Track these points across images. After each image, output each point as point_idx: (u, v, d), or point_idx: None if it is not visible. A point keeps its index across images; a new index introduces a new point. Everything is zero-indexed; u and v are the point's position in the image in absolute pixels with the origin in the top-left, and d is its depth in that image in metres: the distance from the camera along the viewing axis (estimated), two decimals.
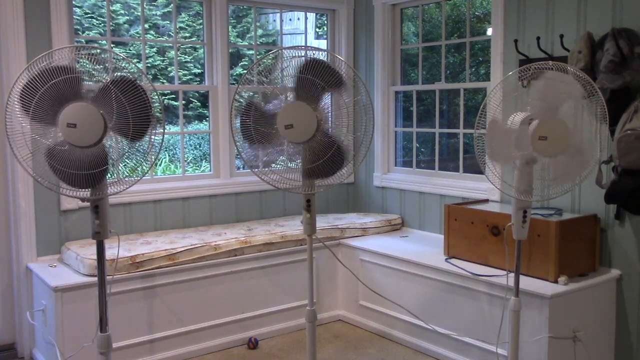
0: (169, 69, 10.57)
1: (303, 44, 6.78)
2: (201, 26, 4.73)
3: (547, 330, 3.15)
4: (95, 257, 2.75)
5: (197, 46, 10.41)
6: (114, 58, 2.53)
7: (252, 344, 3.98)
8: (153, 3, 10.27)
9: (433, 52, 4.94)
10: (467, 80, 4.53)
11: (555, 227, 3.31)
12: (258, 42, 5.43)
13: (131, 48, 9.52)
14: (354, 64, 5.19)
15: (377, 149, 5.02)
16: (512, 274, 3.00)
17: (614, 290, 3.51)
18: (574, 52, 3.43)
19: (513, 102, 2.95)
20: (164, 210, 4.36)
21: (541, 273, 3.37)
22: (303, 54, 2.85)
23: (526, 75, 2.80)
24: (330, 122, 2.90)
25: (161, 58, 10.68)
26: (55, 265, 3.75)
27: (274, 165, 2.95)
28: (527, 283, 3.27)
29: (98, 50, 2.55)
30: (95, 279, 2.87)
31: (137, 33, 9.96)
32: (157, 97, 2.53)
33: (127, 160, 2.54)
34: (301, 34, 10.85)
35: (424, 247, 4.22)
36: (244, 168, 4.76)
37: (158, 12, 10.45)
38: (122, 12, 10.45)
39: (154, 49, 10.45)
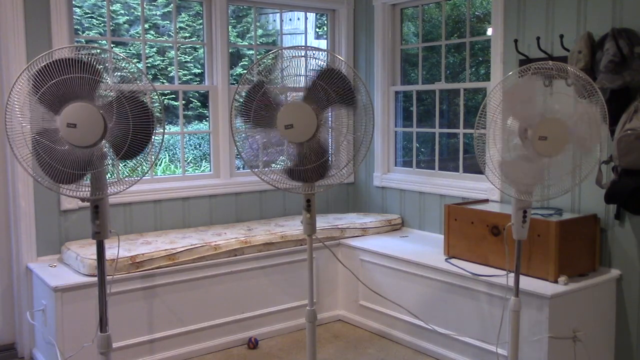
0: (169, 69, 10.57)
1: (303, 44, 6.78)
2: (201, 26, 4.73)
3: (547, 330, 3.15)
4: (95, 257, 2.75)
5: (197, 46, 10.41)
6: (114, 58, 2.53)
7: (252, 344, 3.98)
8: (153, 3, 10.27)
9: (433, 52, 4.94)
10: (467, 80, 4.53)
11: (555, 227, 3.31)
12: (258, 42, 5.43)
13: (131, 48, 9.52)
14: (354, 64, 5.19)
15: (377, 149, 5.02)
16: (512, 274, 3.00)
17: (614, 290, 3.51)
18: (574, 52, 3.43)
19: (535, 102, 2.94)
20: (164, 210, 4.36)
21: (541, 273, 3.37)
22: (323, 59, 2.86)
23: (549, 75, 2.78)
24: (329, 132, 2.92)
25: (161, 58, 10.69)
26: (55, 265, 3.75)
27: (274, 165, 2.95)
28: (527, 283, 3.27)
29: (98, 50, 2.55)
30: (95, 279, 2.87)
31: (137, 33, 9.96)
32: (157, 97, 2.53)
33: (126, 160, 2.54)
34: (301, 34, 10.85)
35: (424, 247, 4.22)
36: (244, 168, 4.76)
37: (158, 12, 10.45)
38: (122, 12, 10.45)
39: (154, 49, 10.45)
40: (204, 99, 9.88)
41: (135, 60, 8.27)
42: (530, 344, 3.20)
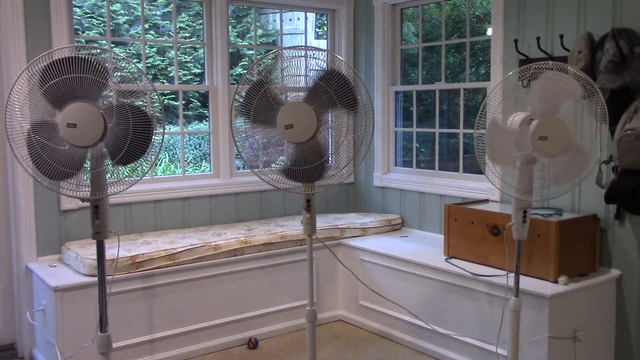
0: (169, 69, 10.57)
1: (303, 44, 6.78)
2: (201, 26, 4.73)
3: (547, 330, 3.15)
4: (95, 257, 2.75)
5: (197, 46, 10.41)
6: (114, 58, 2.53)
7: (252, 344, 3.98)
8: (153, 3, 10.27)
9: (433, 52, 4.94)
10: (467, 80, 4.53)
11: (555, 227, 3.31)
12: (258, 42, 5.43)
13: (131, 48, 9.52)
14: (354, 64, 5.19)
15: (377, 149, 5.02)
16: (512, 274, 3.00)
17: (614, 290, 3.51)
18: (574, 52, 3.43)
19: (513, 102, 2.95)
20: (164, 210, 4.36)
21: (541, 273, 3.37)
22: (324, 59, 2.86)
23: (526, 75, 2.80)
24: (329, 132, 2.92)
25: (161, 58, 10.68)
26: (55, 265, 3.75)
27: (274, 165, 2.95)
28: (527, 283, 3.27)
29: (98, 50, 2.55)
30: (95, 279, 2.87)
31: (137, 33, 9.96)
32: (157, 97, 2.53)
33: (123, 165, 2.54)
34: (301, 34, 10.85)
35: (424, 247, 4.22)
36: (244, 168, 4.76)
37: (158, 12, 10.45)
38: (122, 12, 10.45)
39: (154, 49, 10.45)
40: (204, 99, 9.88)
41: (135, 60, 8.27)
42: (530, 344, 3.20)
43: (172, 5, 4.59)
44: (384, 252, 4.14)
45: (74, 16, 4.08)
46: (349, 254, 4.40)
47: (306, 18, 6.30)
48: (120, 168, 2.55)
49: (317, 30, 10.32)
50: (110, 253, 3.33)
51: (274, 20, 11.30)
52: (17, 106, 2.42)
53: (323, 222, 4.58)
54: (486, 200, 4.12)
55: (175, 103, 9.65)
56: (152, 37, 10.25)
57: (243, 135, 2.91)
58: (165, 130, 2.64)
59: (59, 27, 3.85)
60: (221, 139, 4.61)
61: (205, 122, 9.77)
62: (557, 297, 3.17)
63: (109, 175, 2.54)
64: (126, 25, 10.63)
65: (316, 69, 2.86)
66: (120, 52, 2.62)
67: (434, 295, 3.80)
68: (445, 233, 3.95)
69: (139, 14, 9.14)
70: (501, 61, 4.01)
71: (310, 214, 2.97)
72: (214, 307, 3.93)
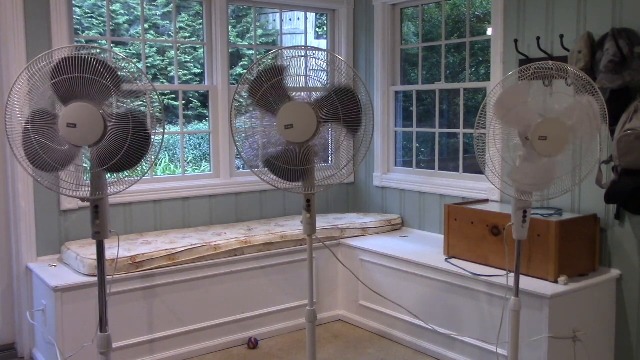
0: (169, 69, 10.57)
1: (303, 44, 6.78)
2: (201, 26, 4.73)
3: (547, 330, 3.15)
4: (95, 257, 2.75)
5: (197, 46, 10.41)
6: (114, 58, 2.53)
7: (252, 344, 3.98)
8: (153, 3, 10.27)
9: (433, 52, 4.94)
10: (467, 80, 4.53)
11: (555, 227, 3.31)
12: (258, 42, 5.42)
13: (131, 48, 9.51)
14: (354, 64, 5.19)
15: (377, 149, 5.02)
16: (512, 274, 3.00)
17: (614, 290, 3.51)
18: (574, 52, 3.43)
19: None
20: (164, 210, 4.36)
21: (541, 273, 3.37)
22: (324, 59, 2.87)
23: (526, 75, 2.79)
24: (329, 134, 2.93)
25: (161, 58, 10.68)
26: (55, 265, 3.75)
27: (264, 159, 2.94)
28: (527, 283, 3.27)
29: (98, 50, 2.55)
30: (95, 279, 2.87)
31: (137, 33, 9.96)
32: (157, 97, 2.53)
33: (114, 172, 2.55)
34: (301, 34, 10.85)
35: (424, 247, 4.22)
36: (244, 168, 4.76)
37: (158, 12, 10.45)
38: (122, 12, 10.45)
39: (154, 49, 10.45)
40: (204, 99, 9.88)
41: (135, 60, 8.27)
42: (530, 344, 3.20)
43: (172, 5, 4.59)
44: (384, 252, 4.14)
45: (74, 16, 4.08)
46: (349, 254, 4.40)
47: (306, 18, 6.30)
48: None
49: (317, 30, 10.31)
50: (110, 253, 3.33)
51: (274, 20, 11.30)
52: (17, 106, 2.42)
53: (323, 222, 4.58)
54: (486, 200, 4.12)
55: (175, 103, 9.65)
56: (152, 37, 10.25)
57: (243, 135, 2.91)
58: (165, 130, 2.64)
59: (59, 27, 3.85)
60: (221, 139, 4.61)
61: (205, 122, 9.77)
62: (557, 297, 3.17)
63: (108, 175, 2.53)
64: (126, 25, 10.63)
65: (324, 74, 2.87)
66: (120, 52, 2.62)
67: (434, 295, 3.80)
68: (445, 233, 3.95)
69: (139, 14, 9.14)
70: (501, 61, 4.01)
71: (310, 214, 2.97)
72: (214, 307, 3.93)
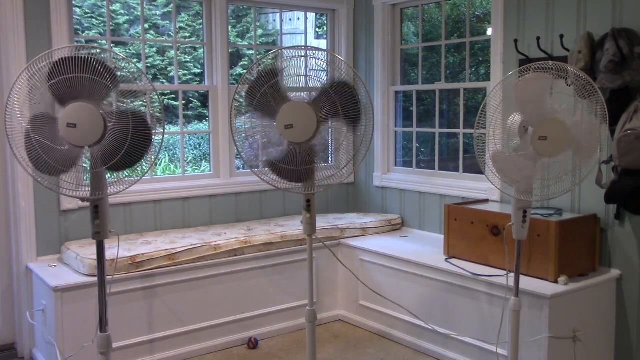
0: (169, 69, 10.57)
1: (303, 44, 6.78)
2: (201, 26, 4.73)
3: (547, 330, 3.15)
4: (95, 257, 2.75)
5: (197, 46, 10.41)
6: (114, 58, 2.53)
7: (252, 344, 3.98)
8: (153, 3, 10.26)
9: (433, 52, 4.94)
10: (467, 80, 4.53)
11: (555, 227, 3.31)
12: (258, 42, 5.42)
13: (131, 48, 9.51)
14: (354, 64, 5.19)
15: (377, 149, 5.02)
16: (512, 274, 3.00)
17: (614, 290, 3.51)
18: (574, 52, 3.43)
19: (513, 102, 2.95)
20: (164, 210, 4.36)
21: (541, 273, 3.37)
22: (324, 59, 2.87)
23: (569, 75, 2.78)
24: (329, 135, 2.93)
25: (161, 58, 10.68)
26: (55, 265, 3.75)
27: (269, 162, 2.94)
28: (527, 283, 3.27)
29: (98, 50, 2.55)
30: (95, 279, 2.87)
31: (137, 33, 9.96)
32: (157, 97, 2.53)
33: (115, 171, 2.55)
34: (301, 34, 10.85)
35: (424, 247, 4.22)
36: (244, 168, 4.76)
37: (158, 12, 10.45)
38: (122, 12, 10.44)
39: (154, 49, 10.45)
40: (204, 99, 9.88)
41: (135, 60, 8.27)
42: (530, 344, 3.20)
43: (172, 5, 4.59)
44: (384, 252, 4.14)
45: (74, 16, 4.08)
46: (349, 254, 4.40)
47: (306, 18, 6.30)
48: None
49: (317, 30, 10.31)
50: (110, 253, 3.33)
51: (274, 20, 11.30)
52: (17, 106, 2.42)
53: (323, 222, 4.58)
54: (486, 200, 4.12)
55: (175, 103, 9.65)
56: (152, 37, 10.25)
57: (243, 135, 2.91)
58: (165, 130, 2.64)
59: (59, 27, 3.85)
60: (221, 139, 4.61)
61: (205, 122, 9.77)
62: (557, 297, 3.17)
63: (109, 175, 2.53)
64: (126, 25, 10.63)
65: (323, 74, 2.87)
66: (120, 52, 2.62)
67: (434, 295, 3.80)
68: (445, 233, 3.95)
69: (139, 14, 9.14)
70: (501, 61, 4.01)
71: (310, 214, 2.97)
72: (214, 307, 3.93)
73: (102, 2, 9.33)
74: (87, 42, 6.23)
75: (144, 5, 5.77)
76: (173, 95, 9.82)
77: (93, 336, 3.03)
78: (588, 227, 3.49)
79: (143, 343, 3.68)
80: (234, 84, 4.64)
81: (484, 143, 2.88)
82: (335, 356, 3.88)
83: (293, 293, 4.24)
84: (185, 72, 10.44)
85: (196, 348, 3.87)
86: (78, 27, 9.11)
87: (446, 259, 3.85)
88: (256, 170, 2.93)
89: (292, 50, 2.86)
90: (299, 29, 11.24)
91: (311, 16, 9.06)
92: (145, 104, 2.52)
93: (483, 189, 4.19)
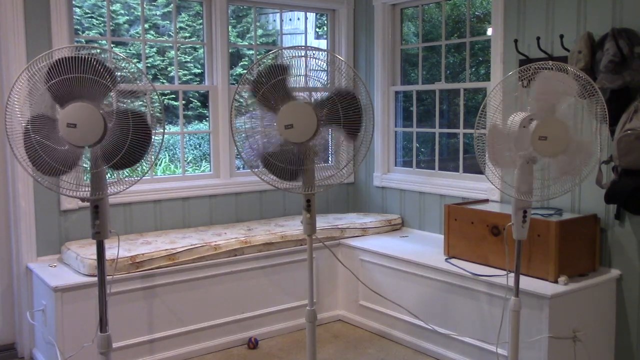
0: (169, 69, 10.57)
1: (303, 44, 6.78)
2: (201, 26, 4.73)
3: (547, 330, 3.15)
4: (95, 257, 2.75)
5: (197, 46, 10.41)
6: (114, 58, 2.53)
7: (252, 344, 3.98)
8: (153, 3, 10.26)
9: (433, 52, 4.94)
10: (467, 80, 4.53)
11: (555, 227, 3.31)
12: (258, 42, 5.42)
13: (131, 48, 9.51)
14: (354, 64, 5.19)
15: (377, 149, 5.02)
16: (512, 274, 3.00)
17: (614, 290, 3.51)
18: (574, 52, 3.43)
19: (513, 102, 2.95)
20: (164, 210, 4.36)
21: (541, 273, 3.37)
22: (324, 59, 2.87)
23: (526, 75, 2.80)
24: (329, 135, 2.93)
25: (161, 58, 10.68)
26: (55, 265, 3.75)
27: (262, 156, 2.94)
28: (527, 283, 3.27)
29: (98, 50, 2.55)
30: (95, 279, 2.87)
31: (137, 33, 9.96)
32: (157, 97, 2.53)
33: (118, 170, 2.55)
34: (301, 34, 10.85)
35: (424, 247, 4.22)
36: (244, 168, 4.76)
37: (158, 12, 10.45)
38: (122, 12, 10.44)
39: (154, 49, 10.45)
40: (204, 99, 9.88)
41: (135, 60, 8.27)
42: (530, 344, 3.20)
43: (172, 5, 4.59)
44: (384, 252, 4.14)
45: (74, 16, 4.08)
46: (349, 254, 4.40)
47: (306, 18, 6.30)
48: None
49: (317, 30, 10.31)
50: (110, 253, 3.33)
51: (274, 20, 11.30)
52: (17, 106, 2.42)
53: (323, 222, 4.58)
54: (486, 200, 4.12)
55: (175, 103, 9.65)
56: (152, 37, 10.25)
57: (243, 135, 2.91)
58: (165, 131, 2.64)
59: (59, 27, 3.85)
60: (221, 139, 4.61)
61: (205, 122, 9.77)
62: (557, 297, 3.17)
63: (109, 175, 2.54)
64: (126, 25, 10.63)
65: (324, 74, 2.87)
66: (120, 52, 2.62)
67: (434, 295, 3.80)
68: (445, 233, 3.95)
69: (139, 14, 9.14)
70: (501, 61, 4.01)
71: (310, 214, 2.97)
72: (214, 307, 3.93)
73: (102, 2, 9.33)
74: (87, 42, 6.23)
75: (144, 5, 5.77)
76: (173, 95, 9.82)
77: (93, 336, 3.03)
78: (588, 227, 3.49)
79: (143, 343, 3.68)
80: (234, 84, 4.64)
81: (484, 143, 2.88)
82: (335, 356, 3.88)
83: (293, 293, 4.24)
84: (185, 72, 10.44)
85: (196, 348, 3.87)
86: (78, 27, 9.11)
87: (446, 259, 3.85)
88: (256, 170, 2.93)
89: (292, 50, 2.86)
90: (299, 29, 11.24)
91: (311, 16, 9.06)
92: (145, 104, 2.52)
93: (483, 189, 4.19)
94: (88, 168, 2.49)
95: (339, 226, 4.53)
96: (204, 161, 10.21)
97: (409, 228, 4.83)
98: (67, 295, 3.40)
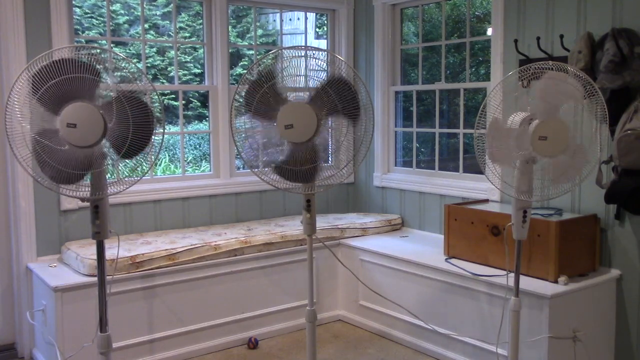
0: (169, 69, 10.57)
1: (303, 44, 6.78)
2: (201, 26, 4.73)
3: (547, 330, 3.15)
4: (95, 257, 2.75)
5: (197, 46, 10.41)
6: (114, 58, 2.53)
7: (252, 344, 3.98)
8: (153, 3, 10.26)
9: (433, 52, 4.94)
10: (467, 80, 4.53)
11: (555, 227, 3.31)
12: (258, 42, 5.42)
13: (131, 48, 9.51)
14: (354, 64, 5.19)
15: (377, 149, 5.02)
16: (512, 274, 3.00)
17: (614, 290, 3.51)
18: (574, 52, 3.43)
19: (513, 102, 2.95)
20: (164, 210, 4.36)
21: (541, 273, 3.37)
22: (324, 59, 2.87)
23: (526, 75, 2.80)
24: (329, 132, 2.93)
25: (161, 58, 10.68)
26: (55, 265, 3.75)
27: (274, 165, 2.95)
28: (527, 283, 3.27)
29: (98, 50, 2.55)
30: (95, 279, 2.87)
31: (137, 33, 9.96)
32: (157, 97, 2.53)
33: (126, 160, 2.54)
34: (301, 34, 10.85)
35: (424, 247, 4.22)
36: (244, 168, 4.76)
37: (158, 12, 10.45)
38: (122, 12, 10.44)
39: (154, 49, 10.45)
40: (204, 99, 9.88)
41: (135, 60, 8.27)
42: (530, 344, 3.20)
43: (172, 5, 4.59)
44: (384, 252, 4.14)
45: (74, 16, 4.08)
46: (349, 254, 4.40)
47: (306, 18, 6.30)
48: (121, 168, 2.55)
49: (317, 30, 10.31)
50: (110, 253, 3.33)
51: (274, 20, 11.30)
52: (17, 106, 2.42)
53: (323, 222, 4.58)
54: (486, 200, 4.12)
55: (175, 103, 9.65)
56: (152, 37, 10.25)
57: (243, 135, 2.91)
58: (165, 131, 2.64)
59: (59, 27, 3.85)
60: (221, 139, 4.61)
61: (205, 122, 9.77)
62: (557, 297, 3.17)
63: (109, 175, 2.54)
64: (126, 25, 10.63)
65: (322, 74, 2.87)
66: (120, 52, 2.62)
67: (434, 295, 3.80)
68: (445, 233, 3.95)
69: (139, 14, 9.13)
70: (501, 61, 4.01)
71: (310, 214, 2.97)
72: (214, 307, 3.93)
73: (102, 2, 9.33)
74: (87, 42, 6.23)
75: (144, 5, 5.77)
76: (173, 95, 9.82)
77: (93, 336, 3.03)
78: (588, 227, 3.49)
79: (143, 343, 3.68)
80: (234, 84, 4.64)
81: (484, 143, 2.87)
82: (335, 356, 3.88)
83: (293, 293, 4.24)
84: (185, 72, 10.44)
85: (196, 348, 3.87)
86: (78, 27, 9.11)
87: (446, 259, 3.85)
88: (256, 170, 2.93)
89: (292, 50, 2.86)
90: (299, 29, 11.24)
91: (311, 16, 9.06)
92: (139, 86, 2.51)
93: (483, 189, 4.19)
94: (111, 163, 2.49)
95: (339, 226, 4.53)
96: (204, 161, 10.21)
97: (409, 228, 4.83)
98: (67, 295, 3.40)
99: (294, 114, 2.78)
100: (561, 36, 3.62)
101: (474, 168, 4.36)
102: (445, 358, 3.75)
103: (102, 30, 9.73)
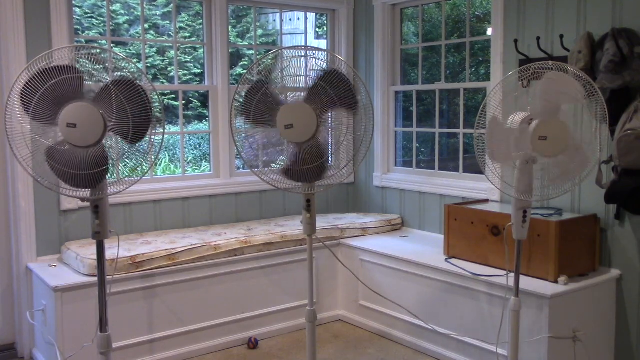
0: (169, 69, 10.57)
1: (303, 44, 6.78)
2: (201, 26, 4.73)
3: (547, 330, 3.15)
4: (95, 257, 2.76)
5: (197, 46, 10.41)
6: (114, 58, 2.53)
7: (252, 344, 3.98)
8: (153, 3, 10.26)
9: (433, 52, 4.94)
10: (467, 80, 4.53)
11: (555, 227, 3.31)
12: (258, 42, 5.42)
13: (131, 48, 9.51)
14: (354, 64, 5.19)
15: (377, 149, 5.02)
16: (512, 274, 3.00)
17: (614, 290, 3.51)
18: (574, 52, 3.43)
19: (513, 102, 2.95)
20: (164, 210, 4.36)
21: (541, 273, 3.37)
22: (324, 59, 2.87)
23: (526, 75, 2.80)
24: (329, 132, 2.93)
25: (161, 58, 10.68)
26: (55, 265, 3.75)
27: (273, 165, 2.95)
28: (527, 283, 3.27)
29: (98, 50, 2.56)
30: (95, 279, 2.87)
31: (137, 33, 9.96)
32: (157, 97, 2.53)
33: (127, 160, 2.55)
34: (301, 34, 10.85)
35: (424, 247, 4.22)
36: (244, 168, 4.76)
37: (158, 12, 10.45)
38: (122, 12, 10.45)
39: (154, 49, 10.45)
40: (204, 99, 9.88)
41: (135, 60, 8.27)
42: (530, 344, 3.20)
43: (172, 5, 4.59)
44: (384, 252, 4.14)
45: (74, 16, 4.08)
46: (349, 254, 4.40)
47: (306, 18, 6.30)
48: (121, 168, 2.55)
49: (317, 30, 10.32)
50: (110, 253, 3.33)
51: (274, 20, 11.30)
52: (17, 106, 2.42)
53: (323, 222, 4.58)
54: (486, 200, 4.12)
55: (175, 103, 9.65)
56: (152, 37, 10.25)
57: (243, 135, 2.91)
58: (165, 131, 2.64)
59: (59, 27, 3.85)
60: (221, 139, 4.61)
61: (205, 122, 9.77)
62: (557, 297, 3.17)
63: (109, 175, 2.54)
64: (126, 25, 10.63)
65: (316, 69, 2.86)
66: (120, 52, 2.62)
67: (434, 295, 3.80)
68: (445, 233, 3.95)
69: (139, 14, 9.13)
70: (501, 61, 4.01)
71: (310, 214, 2.97)
72: (214, 307, 3.93)
73: (102, 2, 9.33)
74: (87, 42, 6.23)
75: (144, 5, 5.77)
76: (173, 95, 9.82)
77: (93, 336, 3.03)
78: (588, 227, 3.49)
79: (143, 343, 3.68)
80: (234, 84, 4.64)
81: (484, 143, 2.87)
82: (335, 356, 3.88)
83: (293, 293, 4.24)
84: (185, 72, 10.44)
85: (196, 348, 3.87)
86: (78, 27, 9.12)
87: (446, 259, 3.85)
88: (256, 170, 2.93)
89: (292, 50, 2.86)
90: (299, 29, 11.24)
91: (311, 16, 9.07)
92: (127, 67, 2.51)
93: (483, 189, 4.19)
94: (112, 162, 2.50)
95: (339, 226, 4.53)
96: (204, 161, 10.22)
97: (409, 228, 4.83)
98: (67, 295, 3.40)
99: (294, 114, 2.78)
100: (561, 36, 3.62)
101: (474, 168, 4.36)
102: (445, 358, 3.75)
103: (102, 30, 9.73)
